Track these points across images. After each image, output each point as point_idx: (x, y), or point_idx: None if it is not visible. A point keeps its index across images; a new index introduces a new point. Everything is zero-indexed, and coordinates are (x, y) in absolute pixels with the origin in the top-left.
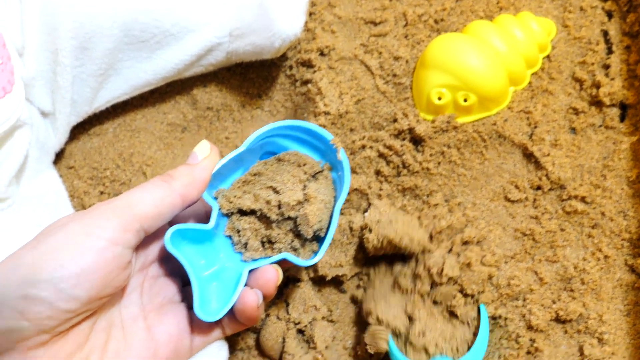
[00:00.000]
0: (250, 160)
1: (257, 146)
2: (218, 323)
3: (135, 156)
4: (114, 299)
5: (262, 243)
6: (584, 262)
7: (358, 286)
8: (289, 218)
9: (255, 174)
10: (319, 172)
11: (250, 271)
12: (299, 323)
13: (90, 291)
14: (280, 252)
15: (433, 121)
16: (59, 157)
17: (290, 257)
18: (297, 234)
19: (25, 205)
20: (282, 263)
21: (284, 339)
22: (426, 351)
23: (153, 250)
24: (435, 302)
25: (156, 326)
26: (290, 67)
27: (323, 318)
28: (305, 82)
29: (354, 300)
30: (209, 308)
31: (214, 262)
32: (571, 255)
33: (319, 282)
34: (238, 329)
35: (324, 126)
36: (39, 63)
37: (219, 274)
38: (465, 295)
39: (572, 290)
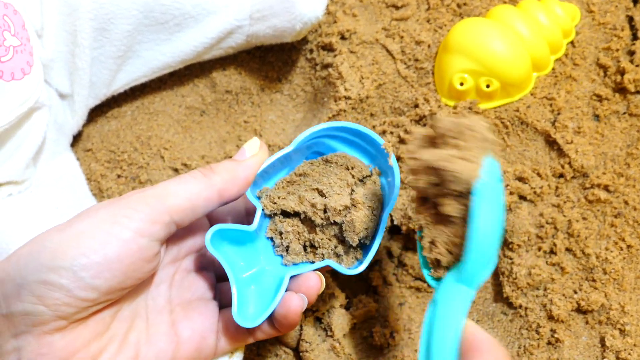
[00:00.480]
0: (296, 160)
1: (305, 146)
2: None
3: (153, 139)
4: (141, 288)
5: (304, 247)
6: (607, 251)
7: (380, 275)
8: (334, 223)
9: (300, 175)
10: (367, 176)
11: (292, 277)
12: (316, 311)
13: (111, 281)
14: (323, 258)
15: (455, 107)
16: (76, 139)
17: (334, 264)
18: (342, 240)
19: (43, 187)
20: (322, 269)
21: (301, 326)
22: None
23: (188, 243)
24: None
25: (181, 321)
26: (311, 51)
27: (341, 306)
28: (326, 66)
29: (373, 290)
30: (247, 312)
31: (253, 264)
32: (593, 244)
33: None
34: (271, 335)
35: (344, 111)
36: (57, 44)
37: (258, 277)
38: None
39: (594, 280)
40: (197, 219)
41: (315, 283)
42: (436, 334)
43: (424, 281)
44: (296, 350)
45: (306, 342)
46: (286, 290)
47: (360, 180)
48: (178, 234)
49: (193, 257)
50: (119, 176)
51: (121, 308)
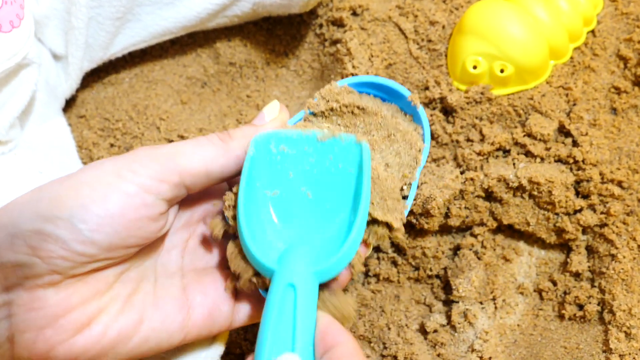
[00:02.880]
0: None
1: None
2: None
3: (150, 109)
4: (150, 252)
5: None
6: (616, 250)
7: (378, 263)
8: None
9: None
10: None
11: None
12: None
13: (112, 237)
14: None
15: (466, 91)
16: (70, 105)
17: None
18: None
19: (28, 151)
20: None
21: None
22: None
23: (204, 207)
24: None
25: (193, 287)
26: (320, 26)
27: None
28: (335, 42)
29: (375, 277)
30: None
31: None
32: (602, 242)
33: None
34: None
35: None
36: (52, 1)
37: None
38: None
39: (601, 280)
40: (215, 185)
41: (343, 276)
42: (300, 321)
43: (425, 272)
44: None
45: None
46: None
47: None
48: (193, 197)
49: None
50: (111, 145)
51: (127, 269)
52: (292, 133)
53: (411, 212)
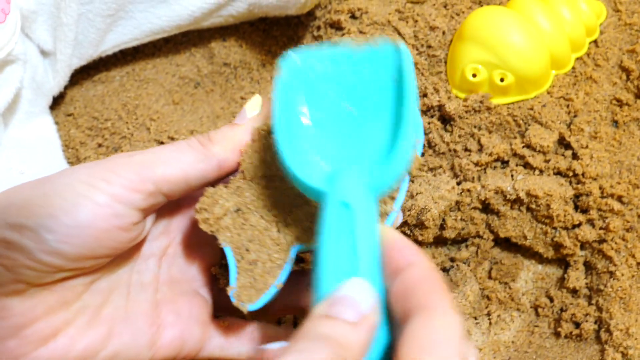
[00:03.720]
0: None
1: None
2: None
3: (141, 109)
4: (126, 259)
5: None
6: (614, 267)
7: None
8: None
9: None
10: None
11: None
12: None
13: (79, 248)
14: None
15: (465, 100)
16: (58, 102)
17: None
18: None
19: (10, 150)
20: None
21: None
22: None
23: (185, 213)
24: None
25: (166, 305)
26: (318, 28)
27: None
28: None
29: None
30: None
31: None
32: (600, 258)
33: None
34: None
35: None
36: None
37: None
38: None
39: (598, 297)
40: (196, 190)
41: None
42: (362, 242)
43: None
44: None
45: None
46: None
47: None
48: (174, 203)
49: (188, 230)
50: (99, 145)
51: (98, 278)
52: (323, 49)
53: (405, 223)
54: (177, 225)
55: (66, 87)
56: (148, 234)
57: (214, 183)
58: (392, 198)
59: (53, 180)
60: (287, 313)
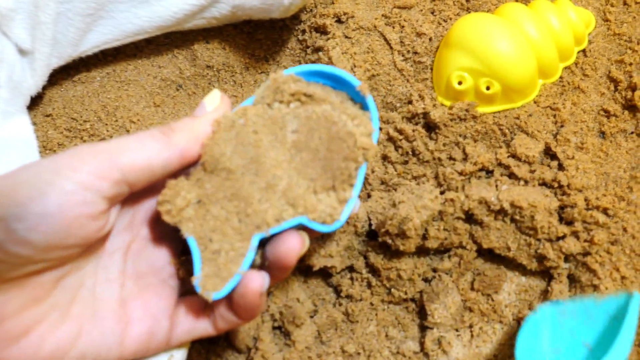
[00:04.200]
0: None
1: None
2: (209, 313)
3: (121, 110)
4: (91, 254)
5: None
6: (598, 280)
7: (351, 283)
8: None
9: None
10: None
11: (263, 239)
12: (277, 319)
13: (49, 237)
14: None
15: (451, 107)
16: (36, 103)
17: (307, 221)
18: None
19: None
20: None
21: (256, 336)
22: None
23: (147, 206)
24: None
25: (133, 300)
26: (303, 32)
27: (306, 313)
28: (317, 50)
29: (347, 297)
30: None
31: None
32: (584, 271)
33: (305, 271)
34: (232, 326)
35: None
36: None
37: None
38: None
39: None
40: (158, 181)
41: (295, 244)
42: None
43: (399, 295)
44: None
45: (259, 350)
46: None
47: None
48: (136, 196)
49: (152, 223)
50: None
51: (65, 274)
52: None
53: (386, 233)
54: (140, 219)
55: (45, 87)
56: (112, 228)
57: (175, 175)
58: (351, 185)
59: (19, 171)
60: None
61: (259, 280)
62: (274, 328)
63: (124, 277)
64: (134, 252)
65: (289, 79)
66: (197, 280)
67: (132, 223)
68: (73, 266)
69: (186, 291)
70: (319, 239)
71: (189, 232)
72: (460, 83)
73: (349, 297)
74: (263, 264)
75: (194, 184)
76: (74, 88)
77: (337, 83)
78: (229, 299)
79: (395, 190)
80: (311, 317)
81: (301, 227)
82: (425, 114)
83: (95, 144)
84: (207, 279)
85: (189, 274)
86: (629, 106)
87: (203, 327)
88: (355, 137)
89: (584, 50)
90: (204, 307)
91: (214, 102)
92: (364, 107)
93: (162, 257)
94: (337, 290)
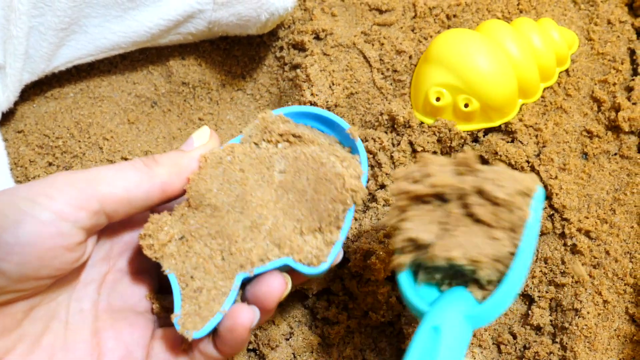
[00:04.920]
0: None
1: None
2: (188, 348)
3: (94, 127)
4: (64, 285)
5: None
6: (580, 304)
7: (328, 305)
8: None
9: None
10: None
11: (246, 280)
12: (252, 341)
13: (23, 267)
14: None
15: (429, 126)
16: (8, 118)
17: (292, 262)
18: None
19: None
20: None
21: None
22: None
23: (125, 238)
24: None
25: (106, 330)
26: (281, 49)
27: (282, 336)
28: (295, 67)
29: (324, 320)
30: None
31: None
32: (566, 294)
33: None
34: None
35: None
36: None
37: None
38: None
39: (563, 335)
40: (138, 214)
41: (277, 286)
42: None
43: (376, 318)
44: None
45: None
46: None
47: None
48: (114, 227)
49: (130, 256)
50: (50, 164)
51: (37, 304)
52: None
53: (355, 265)
54: (118, 251)
55: (17, 103)
56: (89, 258)
57: (156, 208)
58: (338, 228)
59: None
60: None
61: (250, 315)
62: (248, 350)
63: (97, 310)
64: (109, 285)
65: (277, 119)
66: (176, 318)
67: (109, 254)
68: (46, 296)
69: (165, 323)
70: None
71: (170, 269)
72: (438, 99)
73: (325, 319)
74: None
75: (178, 219)
76: (47, 104)
77: (326, 125)
78: (213, 333)
79: (364, 212)
80: (287, 339)
81: (286, 269)
82: (408, 129)
83: (73, 172)
84: (187, 317)
85: (164, 310)
86: (613, 127)
87: None
88: (344, 178)
89: (567, 70)
90: (182, 341)
91: (203, 138)
92: (352, 150)
93: (137, 291)
94: (314, 313)
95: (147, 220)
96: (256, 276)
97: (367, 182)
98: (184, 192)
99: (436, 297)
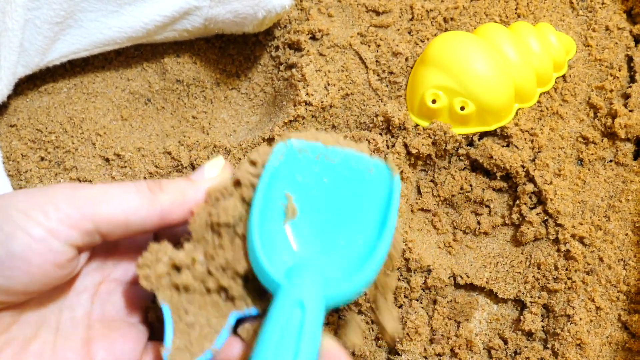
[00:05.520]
0: None
1: None
2: None
3: (87, 123)
4: (56, 294)
5: None
6: (572, 310)
7: None
8: None
9: None
10: None
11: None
12: None
13: (11, 282)
14: None
15: (424, 129)
16: (0, 112)
17: None
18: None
19: None
20: None
21: None
22: None
23: (122, 248)
24: None
25: (97, 340)
26: (277, 48)
27: None
28: (290, 67)
29: None
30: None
31: None
32: (558, 300)
33: None
34: None
35: (302, 117)
36: None
37: None
38: None
39: (554, 341)
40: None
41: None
42: (305, 343)
43: (369, 320)
44: None
45: None
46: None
47: None
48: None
49: (125, 267)
50: (42, 159)
51: (27, 310)
52: (322, 146)
53: None
54: (113, 261)
55: (10, 97)
56: (82, 269)
57: (156, 233)
58: None
59: None
60: None
61: (240, 350)
62: None
63: (89, 319)
64: (103, 294)
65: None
66: (166, 352)
67: (104, 265)
68: (36, 303)
69: (158, 335)
70: None
71: (165, 301)
72: (434, 101)
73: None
74: None
75: (178, 251)
76: (40, 99)
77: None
78: None
79: None
80: None
81: None
82: (399, 135)
83: (75, 188)
84: (177, 352)
85: (159, 321)
86: (609, 134)
87: None
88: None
89: (563, 75)
90: None
91: (215, 170)
92: None
93: (132, 301)
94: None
95: (146, 249)
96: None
97: None
98: (184, 223)
99: (288, 266)
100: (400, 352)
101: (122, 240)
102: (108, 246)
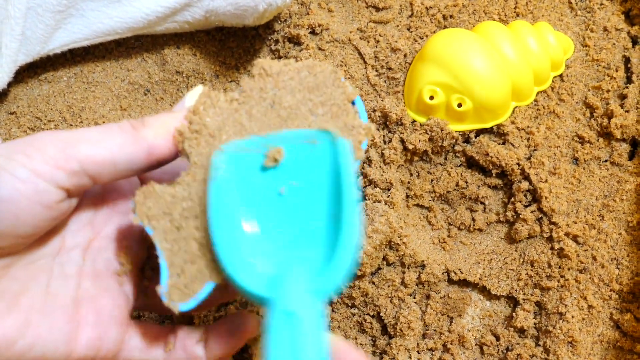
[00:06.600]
0: None
1: None
2: (164, 342)
3: (86, 112)
4: (46, 248)
5: None
6: (565, 308)
7: None
8: None
9: None
10: None
11: None
12: None
13: None
14: None
15: (421, 125)
16: (0, 99)
17: None
18: None
19: None
20: None
21: None
22: None
23: (113, 203)
24: None
25: (87, 301)
26: (276, 42)
27: None
28: None
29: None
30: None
31: None
32: (551, 298)
33: None
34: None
35: None
36: None
37: None
38: None
39: (546, 338)
40: (126, 179)
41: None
42: (309, 352)
43: (362, 316)
44: None
45: None
46: None
47: None
48: (102, 191)
49: (118, 223)
50: None
51: (15, 263)
52: (254, 139)
53: None
54: (104, 217)
55: (10, 85)
56: (69, 220)
57: (142, 172)
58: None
59: None
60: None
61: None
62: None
63: (80, 276)
64: (94, 251)
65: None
66: (162, 289)
67: (95, 221)
68: (24, 257)
69: (143, 304)
70: None
71: (158, 237)
72: (432, 98)
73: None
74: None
75: (171, 186)
76: (40, 87)
77: None
78: (206, 335)
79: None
80: None
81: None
82: (396, 130)
83: (57, 132)
84: (174, 289)
85: (152, 271)
86: (605, 133)
87: (154, 356)
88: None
89: (561, 75)
90: (159, 335)
91: (196, 98)
92: None
93: (122, 260)
94: None
95: (137, 190)
96: None
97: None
98: (173, 157)
99: (268, 276)
100: (393, 347)
101: (115, 195)
102: (98, 202)
